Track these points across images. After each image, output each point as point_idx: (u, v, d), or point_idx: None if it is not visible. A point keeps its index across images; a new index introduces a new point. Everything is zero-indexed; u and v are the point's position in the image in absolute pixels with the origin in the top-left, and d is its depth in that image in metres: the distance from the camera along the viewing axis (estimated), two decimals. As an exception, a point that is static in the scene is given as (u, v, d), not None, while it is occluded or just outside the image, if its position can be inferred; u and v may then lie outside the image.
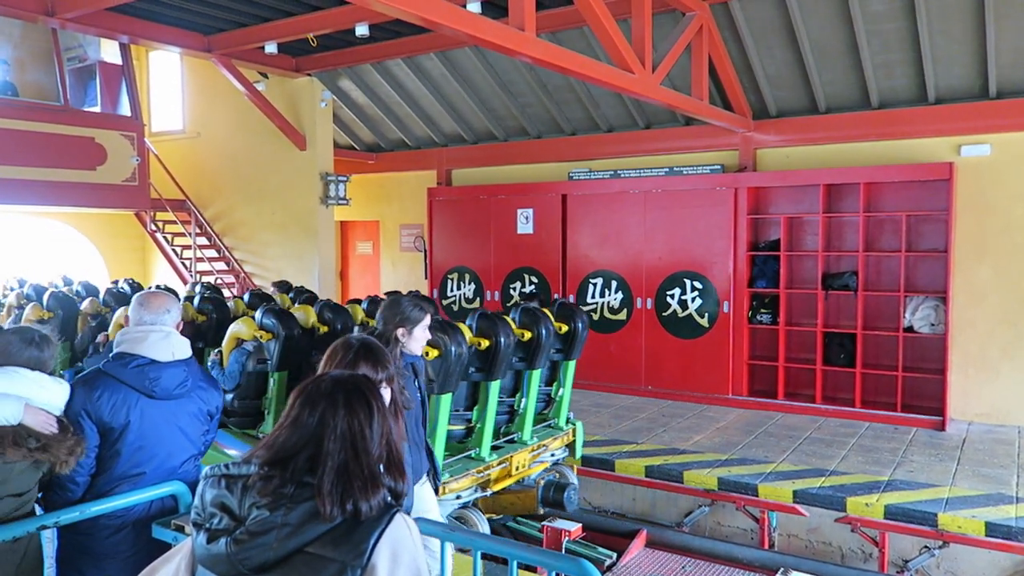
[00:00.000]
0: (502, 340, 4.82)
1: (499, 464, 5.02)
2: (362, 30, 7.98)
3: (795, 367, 8.25)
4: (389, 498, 1.53)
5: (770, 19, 7.38)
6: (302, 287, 7.70)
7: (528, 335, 5.24)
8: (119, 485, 2.93)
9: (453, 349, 4.38)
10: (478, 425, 4.97)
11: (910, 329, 7.61)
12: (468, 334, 4.74)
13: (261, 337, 5.08)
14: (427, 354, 4.21)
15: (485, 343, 4.83)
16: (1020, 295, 7.40)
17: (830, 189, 8.00)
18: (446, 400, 4.48)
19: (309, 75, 10.20)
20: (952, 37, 6.92)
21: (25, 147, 9.14)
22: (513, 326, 5.18)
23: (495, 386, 4.95)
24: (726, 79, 7.88)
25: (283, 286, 7.52)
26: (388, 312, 3.43)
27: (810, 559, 5.39)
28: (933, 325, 7.49)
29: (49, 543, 2.93)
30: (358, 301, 6.54)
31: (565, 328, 5.77)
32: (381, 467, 1.52)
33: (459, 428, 4.98)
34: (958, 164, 7.46)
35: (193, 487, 2.96)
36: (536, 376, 5.35)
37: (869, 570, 5.22)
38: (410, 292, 6.60)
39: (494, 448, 5.08)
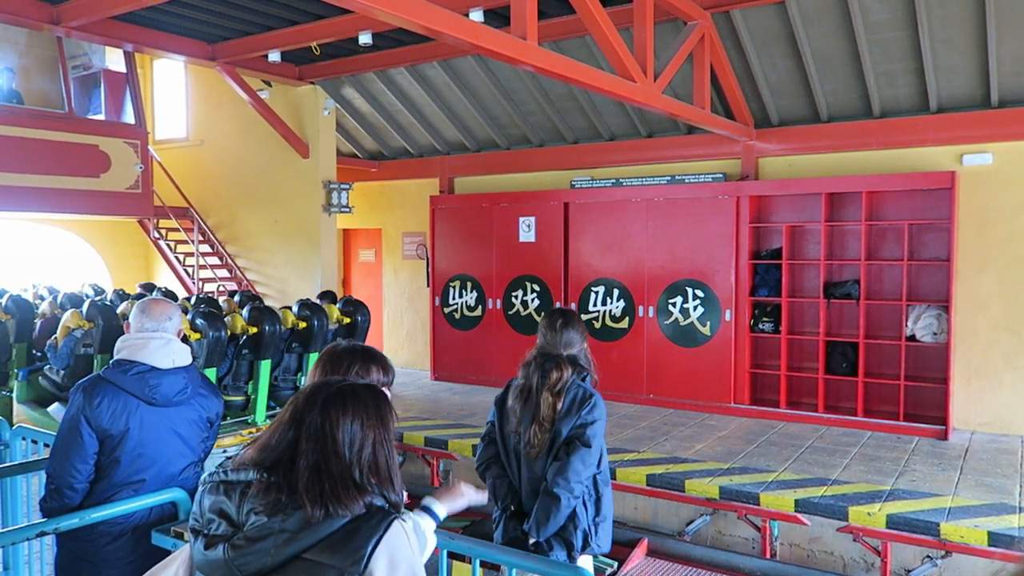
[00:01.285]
0: (267, 328, 6.21)
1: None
2: (365, 39, 8.01)
3: (797, 376, 8.24)
4: (385, 505, 1.53)
5: (772, 28, 7.40)
6: (328, 291, 7.99)
7: (303, 325, 6.64)
8: (119, 492, 2.94)
9: (212, 334, 5.80)
10: (252, 396, 6.42)
11: (912, 338, 7.59)
12: (239, 321, 6.26)
13: (85, 326, 6.22)
14: (187, 337, 5.38)
15: (253, 329, 6.20)
16: (1023, 304, 7.38)
17: (832, 198, 8.00)
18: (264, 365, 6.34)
19: (312, 83, 10.24)
20: (954, 46, 6.93)
21: (30, 154, 9.18)
22: (292, 317, 6.64)
23: (265, 364, 6.40)
24: (728, 88, 7.89)
25: (328, 296, 7.75)
26: (581, 327, 3.37)
27: (812, 568, 5.37)
28: (935, 334, 7.48)
29: (48, 550, 2.93)
30: (333, 301, 7.51)
31: (348, 320, 7.17)
32: (359, 473, 1.51)
33: (239, 399, 6.39)
34: (960, 173, 7.46)
35: (193, 494, 2.97)
36: (265, 365, 6.49)
37: (871, 580, 5.20)
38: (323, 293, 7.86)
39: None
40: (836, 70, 7.60)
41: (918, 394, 7.63)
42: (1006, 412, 7.50)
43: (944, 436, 7.28)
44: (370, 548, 1.44)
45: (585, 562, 3.28)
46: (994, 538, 4.93)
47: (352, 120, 11.02)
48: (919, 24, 6.72)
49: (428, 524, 2.14)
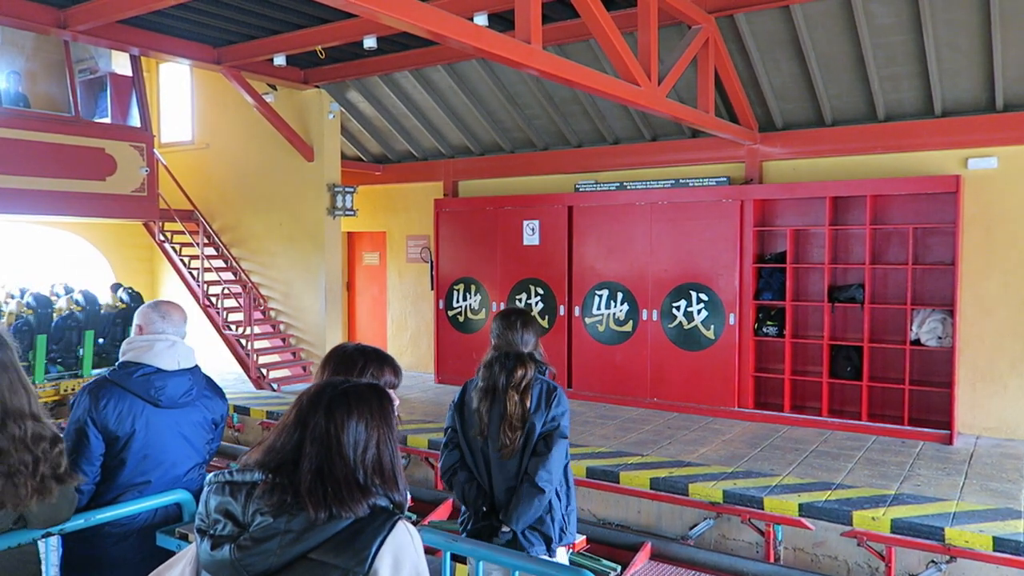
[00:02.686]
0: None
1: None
2: (370, 43, 8.04)
3: (801, 380, 8.22)
4: (389, 506, 1.54)
5: (776, 32, 7.40)
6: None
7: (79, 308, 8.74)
8: (124, 493, 2.95)
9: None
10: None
11: (917, 342, 7.58)
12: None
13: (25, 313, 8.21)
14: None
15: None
16: (1028, 308, 7.37)
17: (836, 201, 7.99)
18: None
19: (317, 87, 10.27)
20: (958, 50, 6.93)
21: (36, 157, 9.22)
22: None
23: (41, 339, 8.16)
24: (732, 92, 7.90)
25: (116, 287, 9.65)
26: (535, 327, 3.39)
27: (816, 573, 5.36)
28: (940, 338, 7.46)
29: (53, 551, 2.94)
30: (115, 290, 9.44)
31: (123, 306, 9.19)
32: (363, 475, 1.52)
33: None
34: (965, 177, 7.45)
35: (197, 495, 2.98)
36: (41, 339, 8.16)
37: (875, 585, 5.19)
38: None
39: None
40: (840, 74, 7.60)
41: (923, 398, 7.61)
42: (1011, 417, 7.47)
43: (949, 441, 7.26)
44: (375, 548, 1.45)
45: (562, 555, 3.35)
46: (999, 543, 4.91)
47: (356, 123, 11.05)
48: (923, 28, 6.72)
49: None
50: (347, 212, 10.49)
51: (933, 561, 5.12)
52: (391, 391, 2.22)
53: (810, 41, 7.28)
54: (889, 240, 7.89)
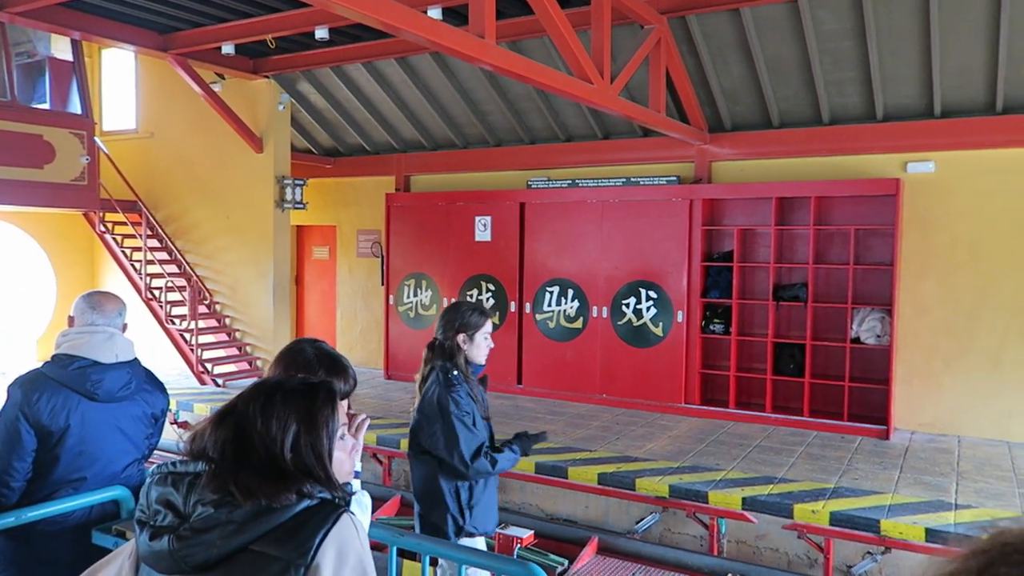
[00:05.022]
0: None
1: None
2: (321, 33, 7.93)
3: (746, 376, 8.39)
4: (334, 498, 1.53)
5: (726, 35, 7.53)
6: None
7: None
8: (58, 490, 2.86)
9: None
10: None
11: (857, 340, 7.80)
12: None
13: None
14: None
15: None
16: (962, 309, 7.64)
17: (782, 202, 8.17)
18: None
19: (267, 77, 10.09)
20: (900, 57, 7.14)
21: (-31, 143, 8.87)
22: None
23: None
24: (683, 92, 8.01)
25: None
26: (448, 318, 3.37)
27: (757, 565, 5.47)
28: (879, 337, 7.69)
29: (-18, 549, 2.84)
30: None
31: None
32: (290, 466, 1.50)
33: None
34: (904, 180, 7.69)
35: (136, 492, 2.90)
36: None
37: (815, 576, 5.33)
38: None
39: None
40: (788, 77, 7.77)
41: (862, 395, 7.84)
42: (944, 413, 7.75)
43: (886, 436, 7.49)
44: (318, 540, 1.44)
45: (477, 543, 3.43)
46: (931, 534, 5.09)
47: (307, 115, 10.90)
48: (867, 35, 6.90)
49: (364, 499, 2.15)
50: (296, 205, 10.33)
51: (869, 552, 5.27)
52: (343, 401, 2.21)
53: (759, 44, 7.43)
54: (832, 240, 8.10)
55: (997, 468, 6.56)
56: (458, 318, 3.34)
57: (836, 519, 5.36)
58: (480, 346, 3.36)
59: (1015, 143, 7.29)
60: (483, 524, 3.36)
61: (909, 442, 7.41)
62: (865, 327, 7.75)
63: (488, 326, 3.41)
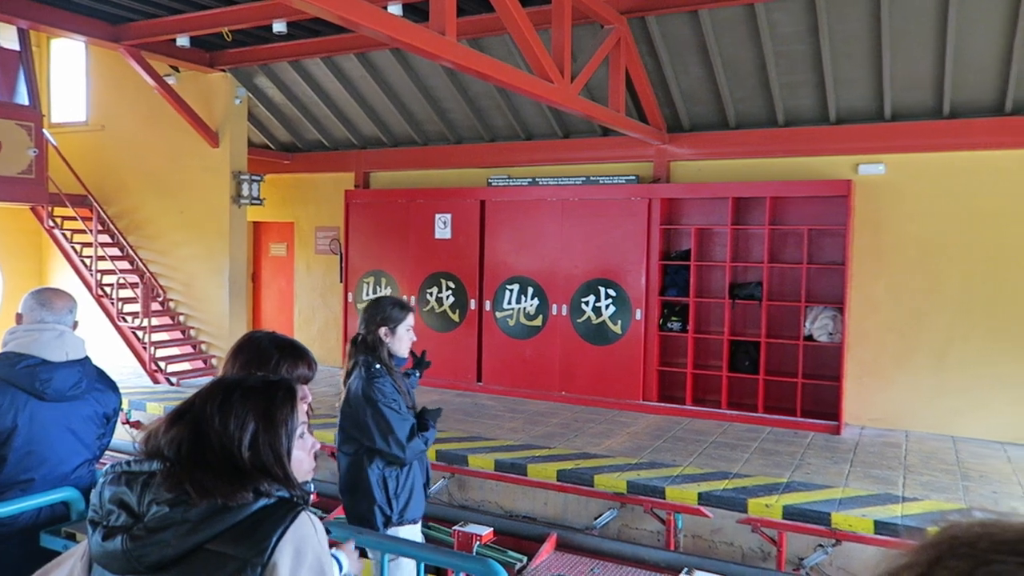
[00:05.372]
0: None
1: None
2: (280, 27, 7.83)
3: (703, 374, 8.52)
4: (292, 497, 1.52)
5: (684, 36, 7.62)
6: None
7: None
8: (7, 492, 2.79)
9: None
10: None
11: (810, 338, 7.97)
12: None
13: None
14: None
15: None
16: (911, 308, 7.86)
17: (738, 202, 8.30)
18: None
19: (223, 71, 9.92)
20: (853, 60, 7.31)
21: (-91, 134, 8.56)
22: None
23: None
24: (642, 92, 8.09)
25: None
26: (369, 313, 3.42)
27: (713, 559, 5.56)
28: (831, 334, 7.87)
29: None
30: None
31: None
32: (246, 465, 1.49)
33: None
34: (856, 182, 7.87)
35: (86, 493, 2.84)
36: None
37: (768, 568, 5.42)
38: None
39: None
40: (744, 79, 7.90)
41: (814, 391, 8.01)
42: (893, 408, 7.96)
43: (837, 431, 7.68)
44: (275, 539, 1.43)
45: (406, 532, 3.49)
46: (880, 527, 5.23)
47: (265, 110, 10.74)
48: (821, 38, 7.05)
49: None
50: (253, 201, 10.18)
51: (820, 545, 5.40)
52: (304, 386, 2.19)
53: (716, 46, 7.53)
54: (786, 240, 8.26)
55: (942, 462, 6.76)
56: (379, 312, 3.41)
57: (789, 513, 5.48)
58: (402, 339, 3.44)
59: (961, 146, 7.52)
60: (410, 512, 3.44)
61: (859, 437, 7.60)
62: (818, 325, 7.93)
63: (410, 319, 3.47)
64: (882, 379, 8.00)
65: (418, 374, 3.96)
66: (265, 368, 2.23)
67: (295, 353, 2.35)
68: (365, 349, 3.40)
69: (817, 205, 8.04)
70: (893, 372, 7.96)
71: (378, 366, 3.36)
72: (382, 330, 3.38)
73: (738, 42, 7.48)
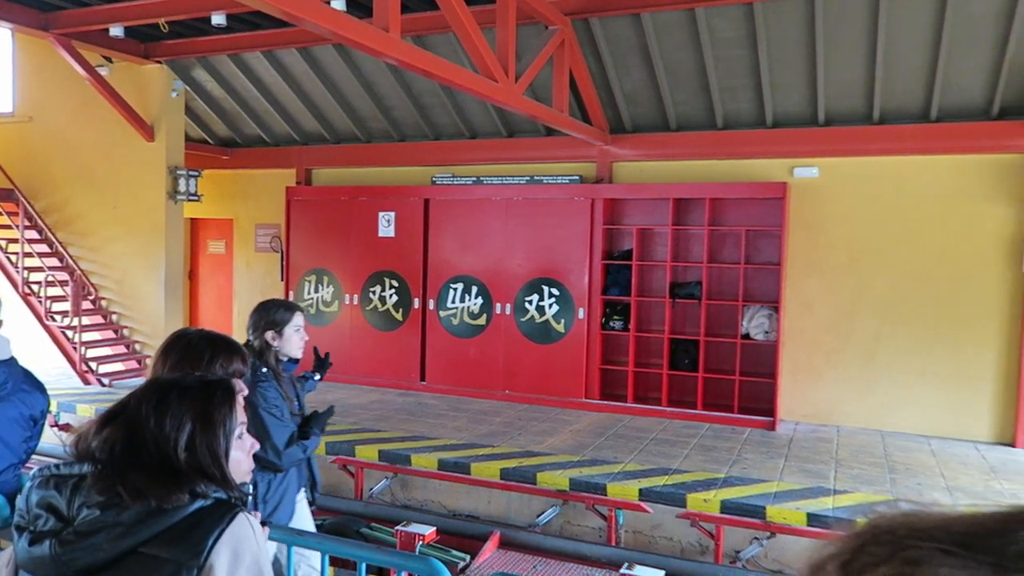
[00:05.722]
0: None
1: None
2: (218, 19, 7.66)
3: (644, 372, 8.65)
4: (229, 498, 1.50)
5: (627, 38, 7.73)
6: None
7: None
8: (-75, 498, 2.66)
9: None
10: None
11: (747, 336, 8.17)
12: None
13: None
14: None
15: None
16: (842, 307, 8.13)
17: (679, 203, 8.46)
18: None
19: (159, 62, 9.65)
20: (788, 67, 7.52)
21: None
22: None
23: None
24: (586, 93, 8.17)
25: None
26: (254, 318, 3.37)
27: (653, 554, 5.66)
28: (767, 333, 8.08)
29: None
30: None
31: None
32: (182, 466, 1.47)
33: None
34: (791, 184, 8.10)
35: (12, 498, 2.74)
36: None
37: (706, 562, 5.55)
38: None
39: None
40: (685, 82, 8.05)
41: (751, 388, 8.22)
42: (825, 404, 8.22)
43: (772, 427, 7.89)
44: (211, 541, 1.40)
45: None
46: (812, 519, 5.40)
47: (203, 104, 10.49)
48: (759, 45, 7.24)
49: None
50: (190, 197, 9.93)
51: (756, 537, 5.54)
52: (239, 380, 2.15)
53: (658, 49, 7.66)
54: (724, 241, 8.45)
55: (871, 455, 7.02)
56: (264, 316, 3.38)
57: (726, 507, 5.61)
58: (291, 340, 3.40)
59: (890, 151, 7.81)
60: (276, 518, 3.39)
61: (793, 432, 7.83)
62: (754, 324, 8.13)
63: (297, 319, 3.44)
64: (815, 376, 8.25)
65: (318, 377, 3.93)
66: (198, 365, 2.18)
67: (228, 348, 2.30)
68: (252, 354, 3.33)
69: (754, 207, 8.24)
70: (825, 369, 8.22)
71: (264, 370, 3.31)
72: (268, 333, 3.34)
73: (679, 46, 7.62)
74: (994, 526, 0.50)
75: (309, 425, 3.43)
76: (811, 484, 6.10)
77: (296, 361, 3.46)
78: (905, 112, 7.70)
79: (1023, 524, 0.49)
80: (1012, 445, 7.44)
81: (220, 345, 2.29)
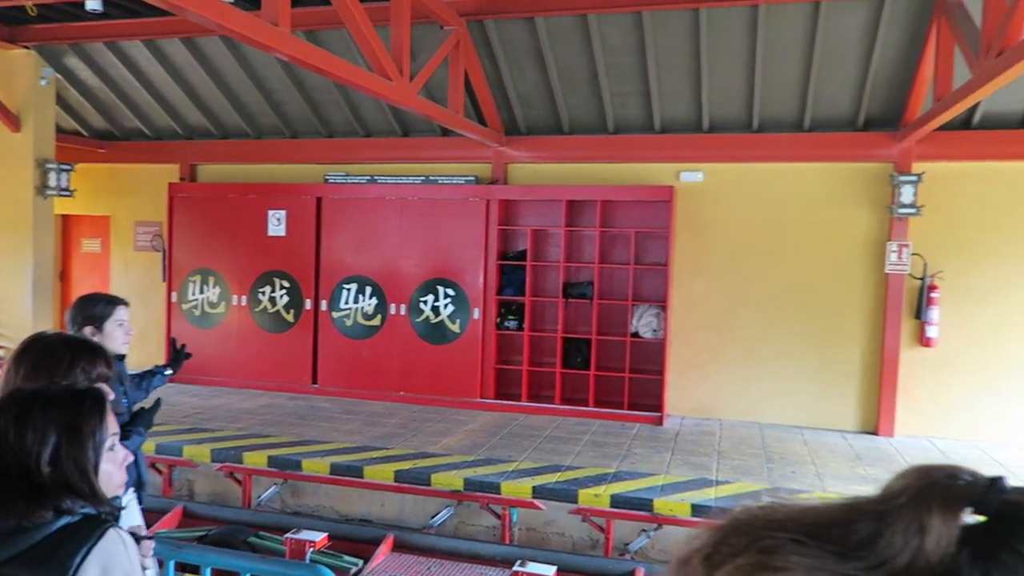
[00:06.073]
0: None
1: None
2: (93, 4, 7.21)
3: (538, 371, 8.78)
4: (99, 513, 1.43)
5: (522, 41, 7.82)
6: None
7: None
8: None
9: None
10: None
11: (636, 335, 8.43)
12: None
13: None
14: None
15: None
16: (725, 306, 8.51)
17: (572, 205, 8.63)
18: None
19: (27, 47, 9.01)
20: (675, 75, 7.81)
21: None
22: None
23: None
24: (481, 94, 8.20)
25: None
26: (71, 313, 3.20)
27: (546, 550, 5.75)
28: (655, 331, 8.37)
29: None
30: None
31: None
32: (46, 482, 1.40)
33: None
34: (678, 188, 8.42)
35: None
36: None
37: (596, 555, 5.69)
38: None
39: None
40: (578, 87, 8.22)
41: (640, 385, 8.48)
42: (709, 399, 8.59)
43: (660, 422, 8.17)
44: (79, 559, 1.34)
45: None
46: (696, 509, 5.64)
47: (76, 94, 9.87)
48: (647, 52, 7.48)
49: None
50: (62, 192, 9.33)
51: (643, 530, 5.73)
52: (105, 384, 2.04)
53: (552, 53, 7.79)
54: (615, 242, 8.69)
55: (750, 447, 7.38)
56: (81, 311, 3.24)
57: (616, 501, 5.77)
58: (113, 335, 3.26)
59: (768, 158, 8.24)
60: None
61: (679, 427, 8.14)
62: (643, 322, 8.40)
63: (119, 313, 3.31)
64: (700, 372, 8.61)
65: (169, 371, 3.75)
66: (57, 370, 2.02)
67: (90, 350, 2.15)
68: None
69: (643, 209, 8.51)
70: (709, 365, 8.59)
71: None
72: (87, 329, 3.16)
73: (572, 51, 7.77)
74: (838, 517, 0.55)
75: (133, 423, 3.23)
76: (695, 476, 6.36)
77: (122, 357, 3.27)
78: (781, 121, 8.14)
79: (861, 516, 0.54)
80: (875, 433, 8.01)
81: (80, 348, 2.15)
